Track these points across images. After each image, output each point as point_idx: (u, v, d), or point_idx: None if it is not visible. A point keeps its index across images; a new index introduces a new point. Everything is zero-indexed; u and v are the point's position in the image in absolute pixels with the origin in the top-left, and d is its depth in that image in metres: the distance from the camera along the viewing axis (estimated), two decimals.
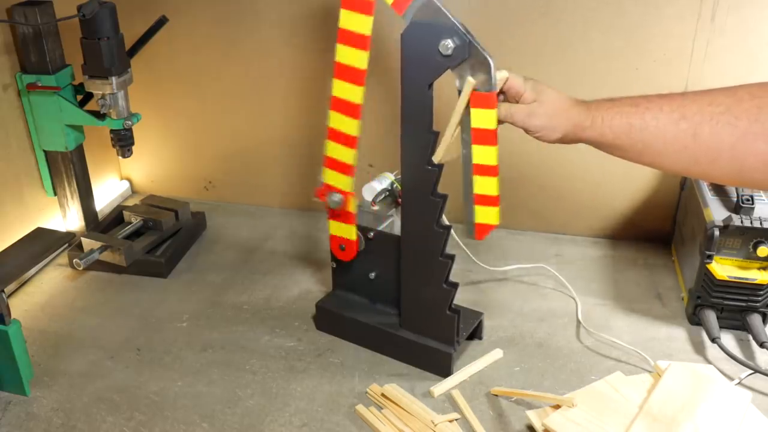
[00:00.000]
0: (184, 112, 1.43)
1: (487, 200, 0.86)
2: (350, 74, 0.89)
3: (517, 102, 0.84)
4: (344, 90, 0.91)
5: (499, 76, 0.82)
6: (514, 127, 0.85)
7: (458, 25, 0.80)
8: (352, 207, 0.98)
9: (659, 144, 0.76)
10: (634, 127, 0.77)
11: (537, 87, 0.83)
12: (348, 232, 0.99)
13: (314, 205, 1.42)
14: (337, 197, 0.97)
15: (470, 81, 0.81)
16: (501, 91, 0.84)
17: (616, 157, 0.82)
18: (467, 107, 0.83)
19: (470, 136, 0.84)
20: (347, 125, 0.92)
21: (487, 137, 0.83)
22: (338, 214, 0.99)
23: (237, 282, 1.21)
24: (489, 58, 0.80)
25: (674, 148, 0.75)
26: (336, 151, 0.95)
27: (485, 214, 0.87)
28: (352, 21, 0.87)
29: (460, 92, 0.83)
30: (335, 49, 0.89)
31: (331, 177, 0.97)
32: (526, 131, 0.85)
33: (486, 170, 0.85)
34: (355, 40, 0.87)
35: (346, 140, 0.93)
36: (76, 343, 1.06)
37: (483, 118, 0.82)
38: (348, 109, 0.91)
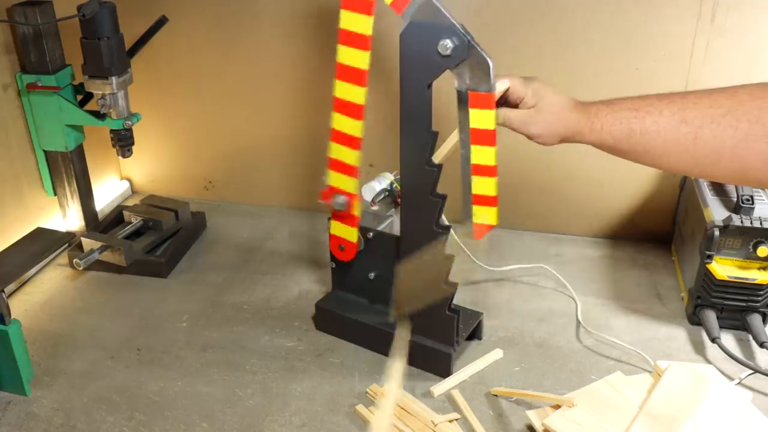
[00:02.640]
0: (184, 112, 1.43)
1: (485, 200, 0.86)
2: (352, 75, 0.89)
3: (518, 106, 0.84)
4: (346, 91, 0.91)
5: (501, 87, 0.82)
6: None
7: (457, 25, 0.80)
8: (356, 209, 0.98)
9: (660, 147, 0.76)
10: (634, 132, 0.77)
11: (538, 92, 0.83)
12: (349, 233, 0.99)
13: (314, 205, 1.43)
14: (341, 199, 0.97)
15: (497, 88, 0.82)
16: (502, 97, 0.84)
17: (617, 157, 0.82)
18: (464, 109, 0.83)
19: (469, 136, 0.84)
20: (350, 126, 0.92)
21: (486, 137, 0.83)
22: (342, 215, 0.99)
23: (237, 282, 1.21)
24: (488, 59, 0.80)
25: (675, 151, 0.75)
26: (340, 152, 0.95)
27: (484, 214, 0.87)
28: (352, 21, 0.87)
29: (459, 92, 0.82)
30: (336, 50, 0.89)
31: (335, 179, 0.97)
32: (525, 136, 0.85)
33: (484, 170, 0.85)
34: (356, 41, 0.87)
35: (350, 141, 0.93)
36: (76, 343, 1.06)
37: (481, 119, 0.82)
38: (351, 110, 0.91)
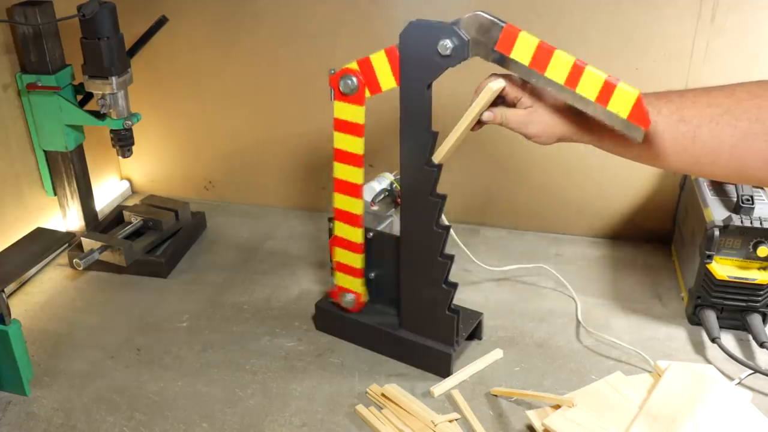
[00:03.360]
0: (184, 112, 1.43)
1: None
2: (350, 158, 0.93)
3: (515, 106, 0.84)
4: (346, 173, 0.94)
5: (496, 86, 0.81)
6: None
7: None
8: (361, 304, 1.04)
9: (658, 146, 0.76)
10: None
11: (535, 91, 0.83)
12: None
13: (314, 205, 1.43)
14: (350, 297, 1.02)
15: (490, 87, 0.81)
16: (499, 96, 0.84)
17: (616, 155, 0.82)
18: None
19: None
20: (352, 205, 0.96)
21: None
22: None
23: (237, 282, 1.21)
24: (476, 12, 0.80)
25: (674, 150, 0.75)
26: (344, 256, 1.00)
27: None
28: (345, 111, 0.90)
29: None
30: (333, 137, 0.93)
31: (341, 279, 1.03)
32: (523, 135, 0.85)
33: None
34: (350, 129, 0.91)
35: (352, 220, 0.97)
36: (76, 343, 1.06)
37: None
38: (350, 190, 0.95)
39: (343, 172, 0.94)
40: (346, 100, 0.89)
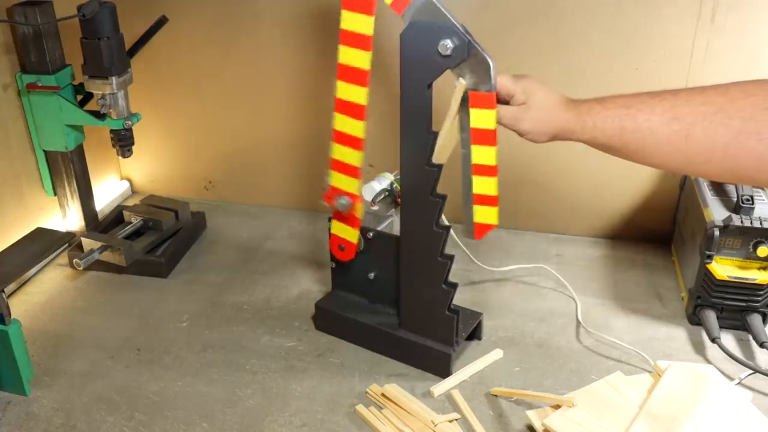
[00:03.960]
0: (184, 112, 1.43)
1: (486, 200, 0.86)
2: (354, 75, 0.89)
3: (508, 103, 0.84)
4: (348, 91, 0.90)
5: (463, 81, 0.82)
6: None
7: (458, 25, 0.80)
8: (359, 211, 0.98)
9: (652, 145, 0.75)
10: (626, 130, 0.77)
11: (528, 89, 0.83)
12: (350, 234, 0.99)
13: (314, 205, 1.43)
14: (344, 200, 0.96)
15: (461, 83, 0.81)
16: None
17: (610, 155, 0.82)
18: (463, 108, 0.83)
19: (469, 136, 0.84)
20: (352, 127, 0.92)
21: (487, 137, 0.83)
22: (344, 216, 0.99)
23: (237, 282, 1.21)
24: (489, 59, 0.80)
25: (667, 149, 0.75)
26: (342, 153, 0.95)
27: (484, 214, 0.87)
28: (353, 22, 0.86)
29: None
30: (338, 51, 0.89)
31: (338, 180, 0.97)
32: (515, 132, 0.84)
33: (485, 170, 0.85)
34: (357, 41, 0.87)
35: (352, 142, 0.93)
36: (76, 343, 1.06)
37: (482, 119, 0.82)
38: (353, 110, 0.91)
39: (346, 91, 0.91)
40: (355, 8, 0.85)
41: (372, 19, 0.85)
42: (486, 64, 0.80)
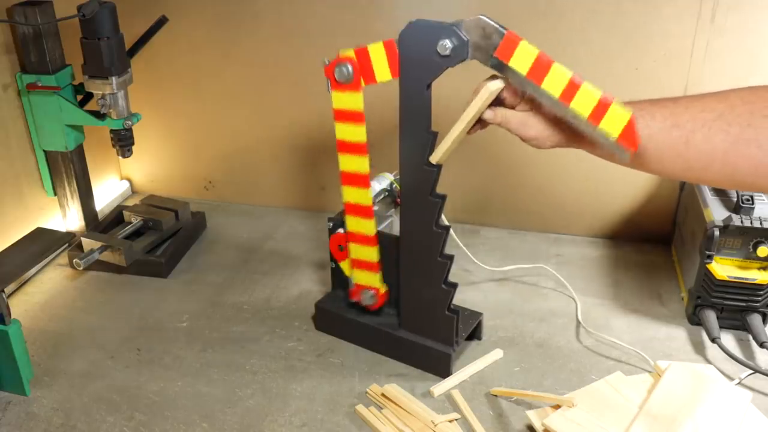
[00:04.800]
0: (184, 112, 1.43)
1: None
2: (354, 148, 0.91)
3: (514, 108, 0.84)
4: (351, 163, 0.93)
5: (494, 86, 0.81)
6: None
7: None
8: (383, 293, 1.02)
9: (651, 152, 0.76)
10: None
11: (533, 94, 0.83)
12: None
13: (314, 205, 1.43)
14: (370, 294, 1.00)
15: (489, 87, 0.81)
16: (497, 98, 0.84)
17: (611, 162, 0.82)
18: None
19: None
20: (361, 197, 0.95)
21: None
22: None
23: (237, 282, 1.22)
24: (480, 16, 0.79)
25: (667, 156, 0.75)
26: (359, 251, 0.99)
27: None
28: (344, 100, 0.89)
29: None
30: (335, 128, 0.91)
31: (359, 276, 1.01)
32: (520, 138, 0.85)
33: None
34: (351, 117, 0.90)
35: (364, 212, 0.96)
36: (76, 343, 1.06)
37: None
38: (358, 181, 0.93)
39: (348, 163, 0.93)
40: (342, 88, 0.88)
41: (360, 95, 0.88)
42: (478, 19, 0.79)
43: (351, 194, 0.95)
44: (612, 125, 0.75)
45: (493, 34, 0.79)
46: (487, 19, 0.79)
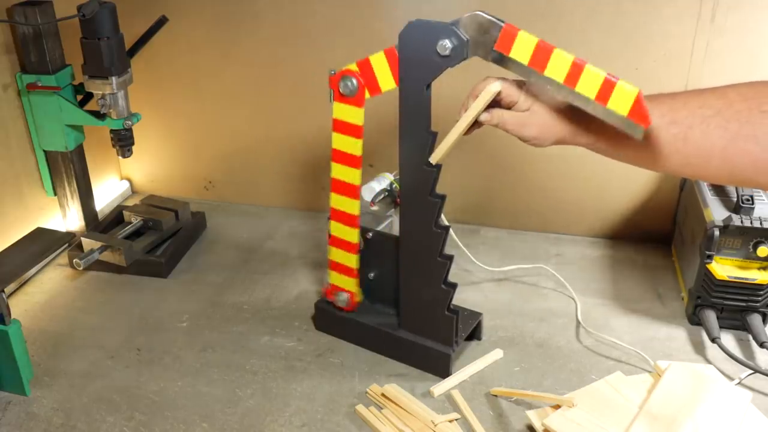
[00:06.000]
0: (184, 112, 1.43)
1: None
2: (348, 160, 0.93)
3: (511, 109, 0.84)
4: (343, 173, 0.95)
5: (494, 88, 0.81)
6: None
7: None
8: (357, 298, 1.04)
9: (651, 149, 0.76)
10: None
11: (531, 94, 0.83)
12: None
13: (314, 205, 1.43)
14: (344, 296, 1.02)
15: (489, 89, 0.81)
16: (494, 99, 0.83)
17: (610, 159, 0.82)
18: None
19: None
20: (349, 206, 0.96)
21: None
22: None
23: (237, 282, 1.22)
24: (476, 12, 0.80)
25: (666, 152, 0.75)
26: (339, 255, 1.01)
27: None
28: (345, 112, 0.90)
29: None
30: (331, 137, 0.93)
31: (335, 279, 1.03)
32: (519, 138, 0.85)
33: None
34: (349, 130, 0.91)
35: (349, 220, 0.98)
36: (76, 343, 1.06)
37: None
38: (348, 190, 0.96)
39: (340, 172, 0.95)
40: (345, 101, 0.89)
41: (362, 110, 0.89)
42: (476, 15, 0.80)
43: (339, 202, 0.97)
44: (621, 103, 0.74)
45: (491, 28, 0.79)
46: (483, 14, 0.79)
